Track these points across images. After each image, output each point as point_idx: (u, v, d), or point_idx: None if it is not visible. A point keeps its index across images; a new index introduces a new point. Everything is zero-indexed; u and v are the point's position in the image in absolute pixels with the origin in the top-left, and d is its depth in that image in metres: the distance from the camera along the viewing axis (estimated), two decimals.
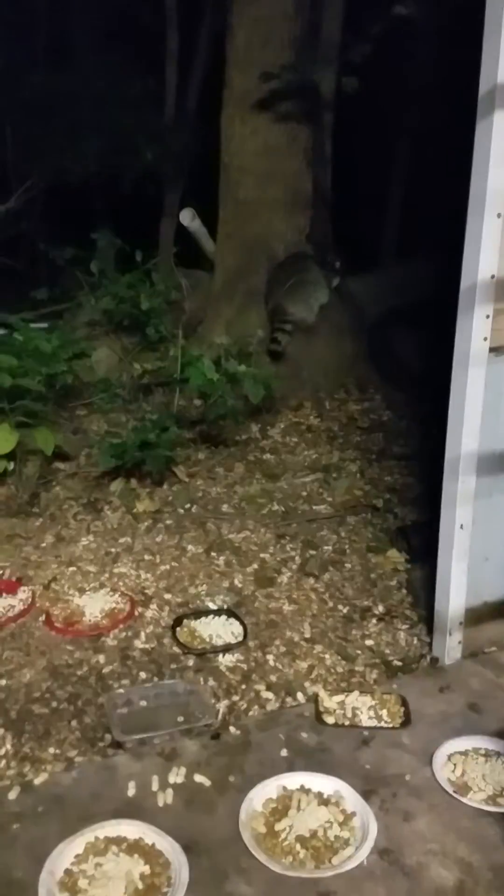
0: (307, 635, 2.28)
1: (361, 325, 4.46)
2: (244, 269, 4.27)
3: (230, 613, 2.34)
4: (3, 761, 1.82)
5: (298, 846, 1.58)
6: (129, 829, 1.61)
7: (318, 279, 4.17)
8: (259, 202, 4.22)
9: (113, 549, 2.71)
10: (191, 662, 2.16)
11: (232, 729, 1.90)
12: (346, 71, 3.79)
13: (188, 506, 3.00)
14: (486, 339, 1.88)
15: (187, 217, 4.67)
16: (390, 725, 1.91)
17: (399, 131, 5.62)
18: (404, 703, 1.97)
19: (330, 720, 1.92)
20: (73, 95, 4.54)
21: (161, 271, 4.26)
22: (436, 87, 4.65)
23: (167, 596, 2.45)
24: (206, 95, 4.97)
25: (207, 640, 2.23)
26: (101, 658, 2.17)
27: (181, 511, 2.97)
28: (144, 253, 4.16)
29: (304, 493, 3.12)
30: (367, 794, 1.70)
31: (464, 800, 1.70)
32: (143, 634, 2.26)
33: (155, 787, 1.72)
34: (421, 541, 2.62)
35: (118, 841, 1.59)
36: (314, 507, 3.02)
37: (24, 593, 2.43)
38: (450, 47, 3.49)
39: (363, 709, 1.96)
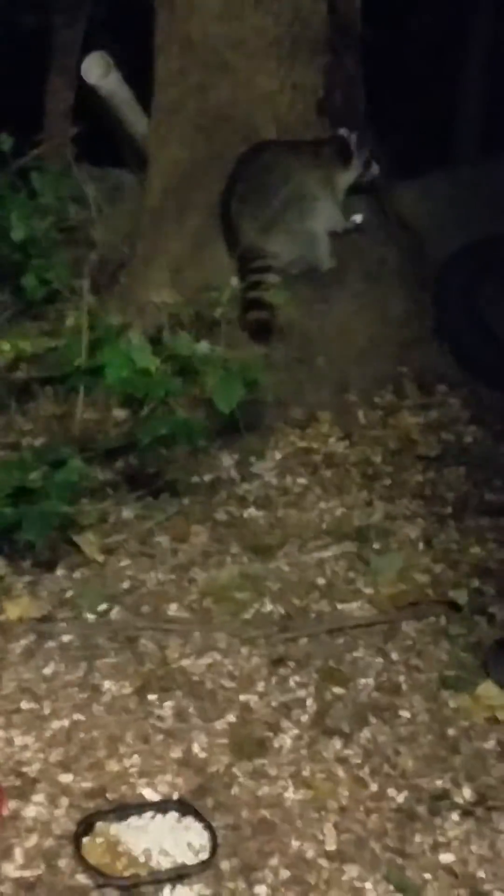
0: (331, 846, 2.29)
1: (422, 271, 4.56)
2: (204, 167, 4.35)
3: (185, 809, 2.34)
4: None
5: None
6: None
7: (315, 188, 4.22)
8: (230, 44, 4.31)
9: None
10: None
11: None
12: None
13: (104, 607, 3.02)
14: None
15: (97, 69, 4.77)
16: None
17: None
18: None
19: None
20: None
21: (49, 171, 4.32)
22: None
23: (65, 778, 2.45)
24: None
25: (142, 859, 2.23)
26: None
27: (90, 617, 2.99)
28: (17, 137, 4.23)
29: (322, 581, 3.16)
30: None
31: None
32: (17, 851, 2.25)
33: None
34: None
35: None
36: (340, 607, 3.06)
37: None
38: None
39: None
